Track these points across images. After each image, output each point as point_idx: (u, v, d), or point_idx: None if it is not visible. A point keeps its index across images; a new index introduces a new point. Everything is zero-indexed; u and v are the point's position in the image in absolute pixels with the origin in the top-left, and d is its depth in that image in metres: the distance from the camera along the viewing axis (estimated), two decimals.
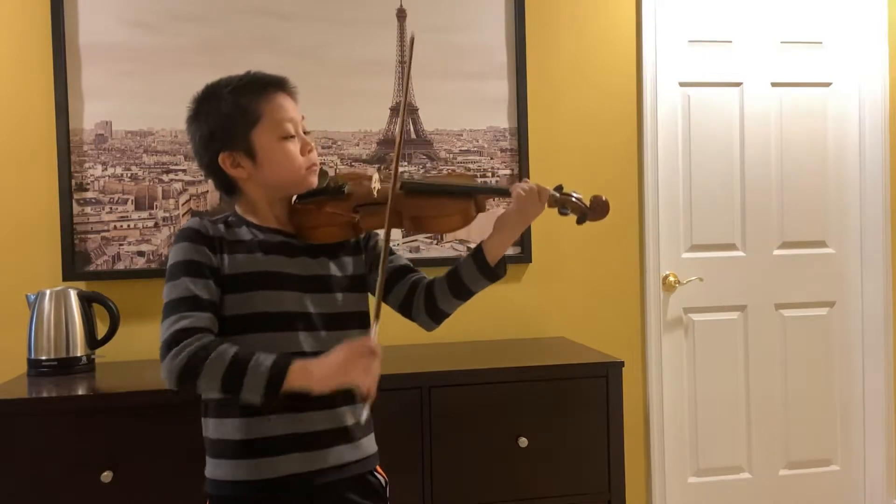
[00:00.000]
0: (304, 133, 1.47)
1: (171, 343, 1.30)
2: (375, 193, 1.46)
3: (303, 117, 1.48)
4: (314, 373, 1.28)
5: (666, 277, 2.77)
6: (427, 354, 2.32)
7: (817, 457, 2.92)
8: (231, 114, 1.41)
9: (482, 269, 1.47)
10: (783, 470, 2.90)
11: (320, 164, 1.50)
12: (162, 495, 1.86)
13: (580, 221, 1.49)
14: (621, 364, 2.12)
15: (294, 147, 1.43)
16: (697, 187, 2.81)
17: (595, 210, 1.48)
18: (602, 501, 2.09)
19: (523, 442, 2.03)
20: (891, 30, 2.87)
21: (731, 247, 2.85)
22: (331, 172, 1.55)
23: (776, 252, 2.88)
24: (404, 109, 1.52)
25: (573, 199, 1.48)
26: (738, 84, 2.83)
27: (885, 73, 2.86)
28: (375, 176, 1.48)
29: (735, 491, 2.85)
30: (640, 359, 2.73)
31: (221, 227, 1.44)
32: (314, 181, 1.47)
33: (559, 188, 1.49)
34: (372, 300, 1.55)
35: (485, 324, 2.58)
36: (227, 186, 1.48)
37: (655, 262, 2.72)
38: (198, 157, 1.48)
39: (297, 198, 1.49)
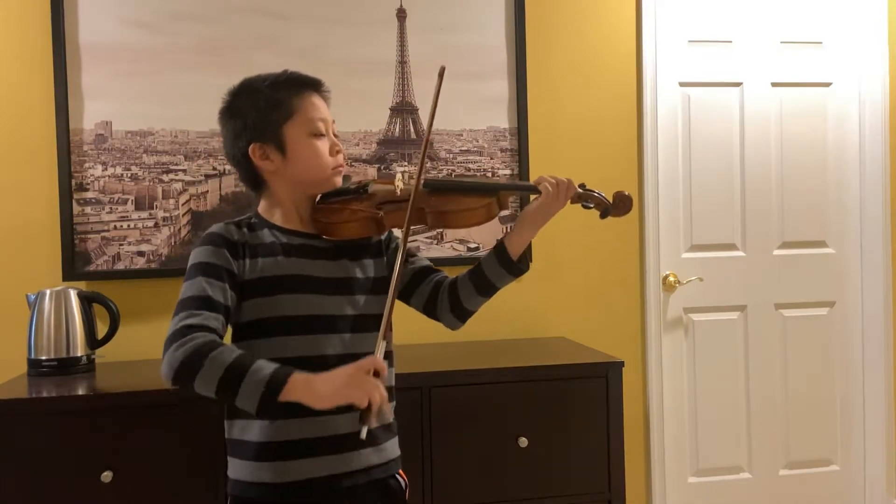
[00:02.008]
0: (335, 136, 1.49)
1: (175, 336, 1.28)
2: (398, 192, 1.48)
3: (333, 121, 1.50)
4: (317, 389, 1.24)
5: (666, 277, 2.77)
6: (427, 354, 2.32)
7: (817, 457, 2.92)
8: (266, 107, 1.43)
9: (505, 264, 1.49)
10: (783, 470, 2.90)
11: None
12: (162, 495, 1.86)
13: (603, 216, 1.53)
14: (621, 364, 2.12)
15: (323, 145, 1.46)
16: (697, 187, 2.81)
17: (618, 206, 1.51)
18: (602, 501, 2.09)
19: (523, 442, 2.03)
20: (891, 30, 2.87)
21: (731, 247, 2.85)
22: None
23: (776, 252, 2.88)
24: (433, 112, 1.51)
25: (596, 195, 1.51)
26: (738, 84, 2.83)
27: (885, 73, 2.86)
28: (398, 176, 1.50)
29: (735, 491, 2.85)
30: (640, 359, 2.73)
31: (245, 230, 1.45)
32: (339, 182, 1.49)
33: (582, 186, 1.51)
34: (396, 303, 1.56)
35: (485, 324, 2.57)
36: (254, 181, 1.49)
37: (655, 262, 2.72)
38: (227, 149, 1.49)
39: (320, 198, 1.50)
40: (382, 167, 2.53)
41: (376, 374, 1.24)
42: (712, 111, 2.82)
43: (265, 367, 1.24)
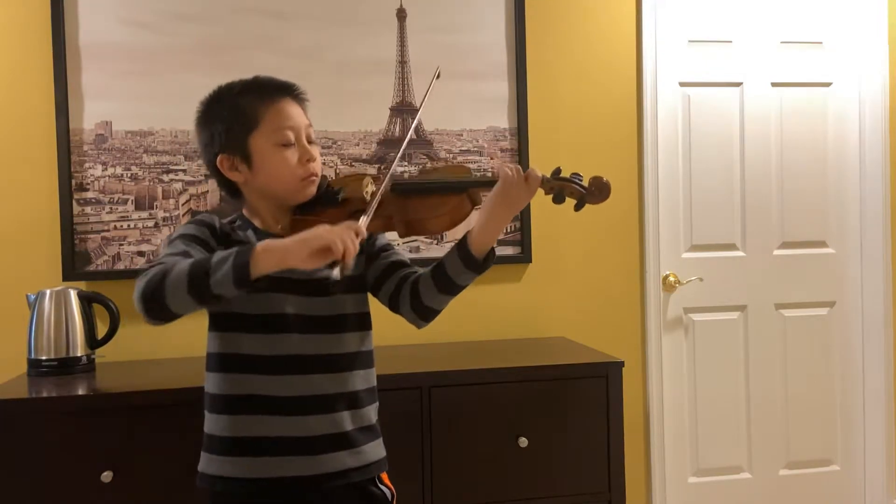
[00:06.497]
0: (310, 142, 1.45)
1: (138, 281, 1.24)
2: (368, 197, 1.41)
3: (309, 125, 1.46)
4: (284, 245, 1.18)
5: (666, 277, 2.77)
6: (427, 354, 2.32)
7: (817, 457, 2.92)
8: (231, 117, 1.41)
9: (466, 260, 1.38)
10: (783, 470, 2.90)
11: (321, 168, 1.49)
12: (162, 495, 1.86)
13: (578, 207, 1.38)
14: (621, 364, 2.12)
15: (291, 155, 1.41)
16: (697, 187, 2.81)
17: (594, 193, 1.37)
18: (602, 501, 2.09)
19: (523, 442, 2.03)
20: (891, 30, 2.86)
21: (731, 247, 2.85)
22: (330, 174, 1.54)
23: (776, 252, 2.88)
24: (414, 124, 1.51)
25: (570, 184, 1.38)
26: (738, 84, 2.83)
27: (885, 73, 2.86)
28: (367, 179, 1.42)
29: (735, 491, 2.85)
30: (640, 359, 2.73)
31: (228, 227, 1.45)
32: (311, 192, 1.44)
33: (556, 172, 1.39)
34: (373, 300, 1.55)
35: (485, 324, 2.58)
36: (230, 189, 1.49)
37: (655, 262, 2.72)
38: (202, 157, 1.50)
39: (296, 210, 1.46)
40: (382, 167, 2.53)
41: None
42: (712, 111, 2.82)
43: (222, 254, 1.20)
